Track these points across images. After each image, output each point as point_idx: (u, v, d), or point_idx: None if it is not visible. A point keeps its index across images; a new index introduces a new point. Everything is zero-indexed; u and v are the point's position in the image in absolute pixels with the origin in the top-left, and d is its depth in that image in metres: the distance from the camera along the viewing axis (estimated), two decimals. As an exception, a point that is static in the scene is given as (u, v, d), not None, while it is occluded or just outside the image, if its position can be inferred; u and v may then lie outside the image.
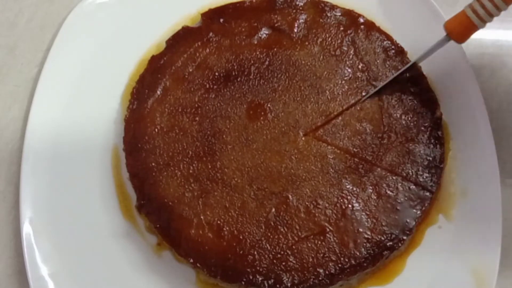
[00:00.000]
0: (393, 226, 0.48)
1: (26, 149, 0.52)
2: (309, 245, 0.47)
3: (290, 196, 0.49)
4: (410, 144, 0.51)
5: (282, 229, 0.47)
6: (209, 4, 0.60)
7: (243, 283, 0.46)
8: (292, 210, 0.48)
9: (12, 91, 0.59)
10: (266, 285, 0.45)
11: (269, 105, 0.53)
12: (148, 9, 0.60)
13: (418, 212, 0.48)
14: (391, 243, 0.47)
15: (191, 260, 0.46)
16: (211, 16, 0.58)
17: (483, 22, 0.47)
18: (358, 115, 0.52)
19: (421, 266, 0.49)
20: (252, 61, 0.55)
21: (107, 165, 0.54)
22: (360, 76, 0.54)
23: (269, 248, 0.47)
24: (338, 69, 0.54)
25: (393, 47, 0.56)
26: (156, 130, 0.52)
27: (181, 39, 0.57)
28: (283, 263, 0.46)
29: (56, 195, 0.51)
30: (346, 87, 0.54)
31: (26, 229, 0.49)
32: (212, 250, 0.47)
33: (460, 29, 0.48)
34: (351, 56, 0.55)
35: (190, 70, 0.55)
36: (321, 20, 0.57)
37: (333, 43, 0.56)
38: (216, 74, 0.54)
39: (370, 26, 0.56)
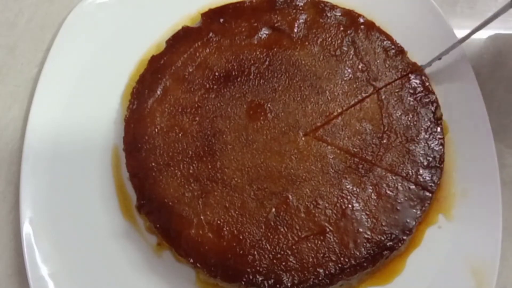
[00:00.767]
0: (393, 226, 0.48)
1: (26, 149, 0.52)
2: (309, 245, 0.47)
3: (290, 196, 0.49)
4: (410, 144, 0.51)
5: (282, 229, 0.47)
6: (209, 4, 0.60)
7: (243, 283, 0.46)
8: (292, 210, 0.48)
9: (12, 91, 0.59)
10: (266, 285, 0.45)
11: (269, 105, 0.53)
12: (148, 9, 0.61)
13: (418, 212, 0.48)
14: (391, 243, 0.47)
15: (191, 260, 0.46)
16: (211, 16, 0.58)
17: None
18: (358, 115, 0.52)
19: (421, 266, 0.49)
20: (252, 61, 0.55)
21: (107, 165, 0.54)
22: (360, 76, 0.54)
23: (269, 248, 0.47)
24: (338, 69, 0.54)
25: (393, 47, 0.56)
26: (156, 130, 0.52)
27: (181, 39, 0.57)
28: (283, 263, 0.46)
29: (56, 195, 0.51)
30: (346, 87, 0.54)
31: (26, 229, 0.49)
32: (212, 250, 0.47)
33: None
34: (351, 56, 0.55)
35: (190, 70, 0.55)
36: (321, 20, 0.57)
37: (333, 43, 0.56)
38: (216, 74, 0.54)
39: (370, 26, 0.57)
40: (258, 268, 0.46)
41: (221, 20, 0.57)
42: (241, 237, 0.47)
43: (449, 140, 0.53)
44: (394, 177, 0.50)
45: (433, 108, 0.53)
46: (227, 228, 0.47)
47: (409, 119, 0.52)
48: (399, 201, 0.49)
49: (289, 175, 0.49)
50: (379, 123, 0.52)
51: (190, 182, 0.49)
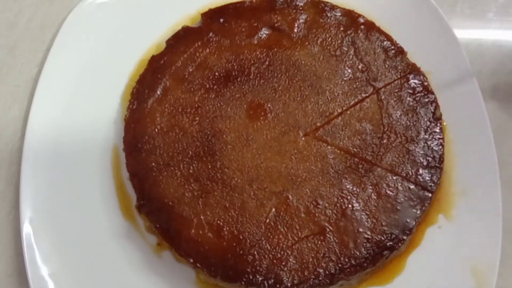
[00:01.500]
0: (393, 226, 0.48)
1: (26, 149, 0.52)
2: (309, 245, 0.47)
3: (290, 196, 0.49)
4: (410, 144, 0.51)
5: (282, 229, 0.47)
6: (209, 4, 0.60)
7: (243, 283, 0.46)
8: (292, 210, 0.48)
9: (12, 91, 0.59)
10: (266, 285, 0.45)
11: (269, 105, 0.53)
12: (148, 9, 0.61)
13: (418, 212, 0.48)
14: (391, 243, 0.47)
15: (191, 260, 0.46)
16: (211, 16, 0.58)
17: None
18: (358, 115, 0.52)
19: (421, 266, 0.49)
20: (252, 61, 0.55)
21: (107, 165, 0.54)
22: (360, 76, 0.54)
23: (269, 248, 0.47)
24: (338, 69, 0.54)
25: (393, 47, 0.56)
26: (156, 130, 0.52)
27: (181, 39, 0.57)
28: (283, 263, 0.46)
29: (56, 195, 0.51)
30: (346, 87, 0.54)
31: (26, 229, 0.49)
32: (212, 250, 0.47)
33: None
34: (351, 56, 0.55)
35: (190, 70, 0.55)
36: (321, 20, 0.57)
37: (333, 43, 0.56)
38: (216, 74, 0.54)
39: (370, 26, 0.57)
40: (258, 268, 0.46)
41: (221, 20, 0.57)
42: (241, 237, 0.47)
43: (449, 140, 0.53)
44: (394, 177, 0.50)
45: (432, 108, 0.53)
46: (227, 228, 0.47)
47: (409, 119, 0.52)
48: (399, 201, 0.49)
49: (289, 175, 0.49)
50: (379, 123, 0.52)
51: (190, 182, 0.49)
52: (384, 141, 0.51)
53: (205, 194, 0.49)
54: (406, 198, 0.49)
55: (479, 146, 0.52)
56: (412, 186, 0.49)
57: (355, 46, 0.56)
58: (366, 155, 0.51)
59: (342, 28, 0.56)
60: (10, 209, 0.54)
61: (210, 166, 0.50)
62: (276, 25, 0.57)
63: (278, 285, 0.45)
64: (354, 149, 0.51)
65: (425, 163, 0.50)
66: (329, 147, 0.51)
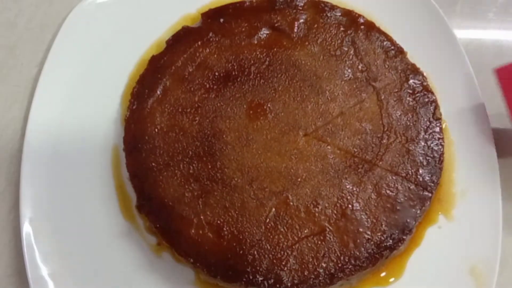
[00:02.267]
0: (393, 226, 0.48)
1: (26, 149, 0.52)
2: (309, 245, 0.47)
3: (290, 196, 0.49)
4: (410, 144, 0.51)
5: (282, 229, 0.47)
6: (209, 4, 0.60)
7: (243, 283, 0.46)
8: (292, 210, 0.48)
9: (12, 91, 0.59)
10: (266, 285, 0.45)
11: (269, 105, 0.53)
12: (148, 9, 0.61)
13: (418, 212, 0.48)
14: (391, 243, 0.47)
15: (191, 260, 0.46)
16: (211, 16, 0.58)
17: None
18: (358, 115, 0.52)
19: (421, 266, 0.49)
20: (252, 61, 0.55)
21: (107, 165, 0.54)
22: (360, 76, 0.54)
23: (269, 248, 0.47)
24: (338, 69, 0.54)
25: (392, 47, 0.56)
26: (156, 130, 0.52)
27: (181, 39, 0.57)
28: (283, 263, 0.46)
29: (56, 195, 0.51)
30: (346, 87, 0.54)
31: (26, 229, 0.49)
32: (212, 250, 0.47)
33: None
34: (351, 57, 0.55)
35: (190, 70, 0.55)
36: (321, 20, 0.57)
37: (333, 43, 0.56)
38: (216, 74, 0.54)
39: (370, 26, 0.57)
40: (258, 268, 0.46)
41: (221, 20, 0.57)
42: (241, 237, 0.47)
43: (449, 140, 0.53)
44: (394, 177, 0.50)
45: (432, 108, 0.53)
46: (227, 228, 0.47)
47: (409, 119, 0.52)
48: (399, 201, 0.49)
49: (289, 175, 0.49)
50: (379, 123, 0.52)
51: (190, 182, 0.49)
52: (384, 141, 0.51)
53: (205, 194, 0.49)
54: (406, 198, 0.49)
55: (479, 146, 0.52)
56: (412, 186, 0.49)
57: (355, 46, 0.56)
58: (366, 155, 0.51)
59: (342, 28, 0.56)
60: (10, 209, 0.54)
61: (210, 166, 0.50)
62: (276, 25, 0.57)
63: (278, 285, 0.45)
64: (354, 149, 0.51)
65: (425, 163, 0.50)
66: (329, 147, 0.51)
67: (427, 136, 0.52)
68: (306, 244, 0.47)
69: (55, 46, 0.57)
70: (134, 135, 0.52)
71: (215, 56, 0.55)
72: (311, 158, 0.50)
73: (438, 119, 0.53)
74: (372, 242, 0.47)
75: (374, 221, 0.48)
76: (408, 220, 0.48)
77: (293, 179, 0.49)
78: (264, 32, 0.57)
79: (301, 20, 0.57)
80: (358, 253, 0.46)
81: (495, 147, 0.52)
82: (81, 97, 0.56)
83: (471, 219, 0.50)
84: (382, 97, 0.53)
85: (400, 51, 0.55)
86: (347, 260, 0.46)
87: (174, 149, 0.51)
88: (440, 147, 0.51)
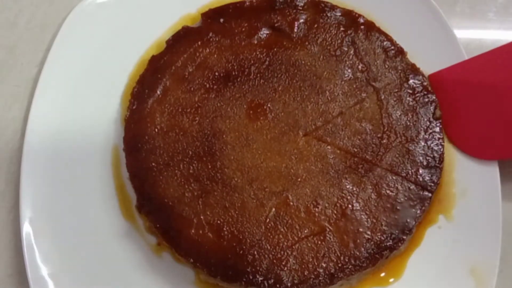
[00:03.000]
0: (393, 226, 0.48)
1: (26, 149, 0.52)
2: (309, 245, 0.47)
3: (290, 196, 0.49)
4: (410, 144, 0.51)
5: (282, 229, 0.47)
6: (209, 4, 0.60)
7: (243, 283, 0.46)
8: (292, 210, 0.48)
9: (12, 91, 0.59)
10: (266, 285, 0.45)
11: (269, 105, 0.53)
12: (148, 9, 0.60)
13: (418, 212, 0.48)
14: (391, 243, 0.47)
15: (191, 260, 0.46)
16: (211, 16, 0.58)
17: None
18: (358, 115, 0.52)
19: (421, 266, 0.49)
20: (252, 61, 0.55)
21: (107, 165, 0.54)
22: (360, 76, 0.54)
23: (269, 248, 0.47)
24: (338, 69, 0.54)
25: (392, 47, 0.56)
26: (156, 130, 0.52)
27: (181, 39, 0.57)
28: (283, 263, 0.46)
29: (56, 195, 0.51)
30: (346, 87, 0.54)
31: (26, 229, 0.49)
32: (212, 250, 0.47)
33: None
34: (351, 57, 0.55)
35: (190, 70, 0.55)
36: (321, 20, 0.57)
37: (333, 43, 0.56)
38: (216, 74, 0.54)
39: (370, 26, 0.57)
40: (258, 268, 0.46)
41: (221, 20, 0.57)
42: (241, 237, 0.47)
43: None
44: (394, 177, 0.50)
45: (432, 108, 0.53)
46: (227, 228, 0.47)
47: (409, 119, 0.52)
48: (399, 201, 0.49)
49: (289, 175, 0.49)
50: (378, 123, 0.52)
51: (190, 182, 0.49)
52: (384, 141, 0.51)
53: (205, 194, 0.49)
54: (406, 198, 0.49)
55: (479, 146, 0.52)
56: (412, 186, 0.49)
57: (355, 46, 0.56)
58: (366, 155, 0.51)
59: (342, 28, 0.56)
60: (10, 209, 0.54)
61: (210, 166, 0.50)
62: (276, 25, 0.57)
63: (278, 285, 0.45)
64: (354, 149, 0.51)
65: (425, 163, 0.50)
66: (329, 147, 0.51)
67: (427, 136, 0.52)
68: (306, 244, 0.47)
69: (55, 46, 0.57)
70: (134, 135, 0.52)
71: (215, 56, 0.55)
72: (311, 158, 0.50)
73: (438, 119, 0.53)
74: (372, 242, 0.47)
75: (374, 221, 0.48)
76: (408, 220, 0.48)
77: (293, 179, 0.49)
78: (264, 32, 0.57)
79: (301, 20, 0.57)
80: (358, 253, 0.46)
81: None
82: (81, 97, 0.56)
83: (471, 219, 0.50)
84: (382, 97, 0.53)
85: (400, 51, 0.55)
86: (347, 260, 0.46)
87: (174, 149, 0.51)
88: (440, 147, 0.51)
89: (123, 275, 0.49)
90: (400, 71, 0.54)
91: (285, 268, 0.46)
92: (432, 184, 0.50)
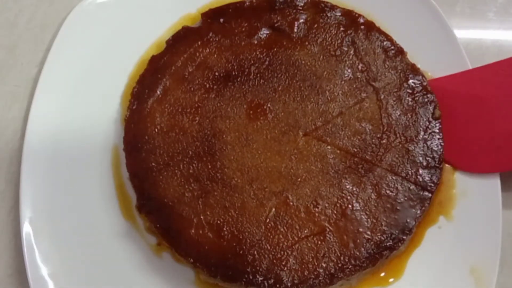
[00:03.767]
0: (393, 226, 0.48)
1: (26, 149, 0.52)
2: (309, 245, 0.47)
3: (290, 196, 0.49)
4: (410, 144, 0.51)
5: (282, 229, 0.47)
6: (209, 4, 0.60)
7: (243, 283, 0.46)
8: (292, 210, 0.48)
9: (12, 91, 0.59)
10: (266, 285, 0.45)
11: (269, 105, 0.53)
12: (148, 9, 0.60)
13: (418, 212, 0.48)
14: (391, 243, 0.47)
15: (191, 260, 0.46)
16: (211, 16, 0.58)
17: None
18: (357, 115, 0.52)
19: (421, 266, 0.49)
20: (252, 61, 0.55)
21: (107, 165, 0.54)
22: (359, 76, 0.54)
23: (269, 248, 0.47)
24: (338, 69, 0.54)
25: (392, 47, 0.56)
26: (156, 130, 0.52)
27: (181, 39, 0.57)
28: (283, 263, 0.46)
29: (56, 195, 0.51)
30: (346, 87, 0.54)
31: (26, 229, 0.49)
32: (212, 250, 0.47)
33: None
34: (351, 57, 0.55)
35: (190, 70, 0.55)
36: (321, 20, 0.57)
37: (333, 43, 0.56)
38: (216, 74, 0.54)
39: (370, 26, 0.57)
40: (258, 268, 0.46)
41: (221, 20, 0.57)
42: (241, 237, 0.47)
43: (449, 140, 0.53)
44: (394, 177, 0.50)
45: (431, 108, 0.53)
46: (227, 228, 0.47)
47: (408, 119, 0.52)
48: (399, 201, 0.49)
49: (289, 175, 0.49)
50: (378, 123, 0.52)
51: (190, 182, 0.49)
52: (384, 141, 0.51)
53: (205, 194, 0.49)
54: (406, 198, 0.49)
55: (479, 146, 0.52)
56: (412, 186, 0.49)
57: (355, 46, 0.56)
58: (366, 155, 0.51)
59: (342, 28, 0.56)
60: (10, 209, 0.54)
61: (210, 166, 0.50)
62: (276, 25, 0.57)
63: (278, 285, 0.45)
64: (354, 149, 0.51)
65: (424, 163, 0.50)
66: (329, 147, 0.51)
67: (426, 136, 0.52)
68: (306, 244, 0.47)
69: (55, 46, 0.57)
70: (134, 135, 0.52)
71: (215, 56, 0.55)
72: (311, 158, 0.50)
73: (438, 119, 0.53)
74: (372, 242, 0.47)
75: (374, 221, 0.48)
76: (408, 220, 0.48)
77: (293, 179, 0.49)
78: (264, 32, 0.57)
79: (301, 20, 0.57)
80: (358, 253, 0.46)
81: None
82: (81, 97, 0.56)
83: (471, 219, 0.50)
84: (382, 97, 0.53)
85: (400, 51, 0.55)
86: (347, 260, 0.46)
87: (174, 149, 0.51)
88: (440, 147, 0.51)
89: (123, 275, 0.49)
90: (400, 71, 0.54)
91: (285, 268, 0.46)
92: (432, 184, 0.50)
